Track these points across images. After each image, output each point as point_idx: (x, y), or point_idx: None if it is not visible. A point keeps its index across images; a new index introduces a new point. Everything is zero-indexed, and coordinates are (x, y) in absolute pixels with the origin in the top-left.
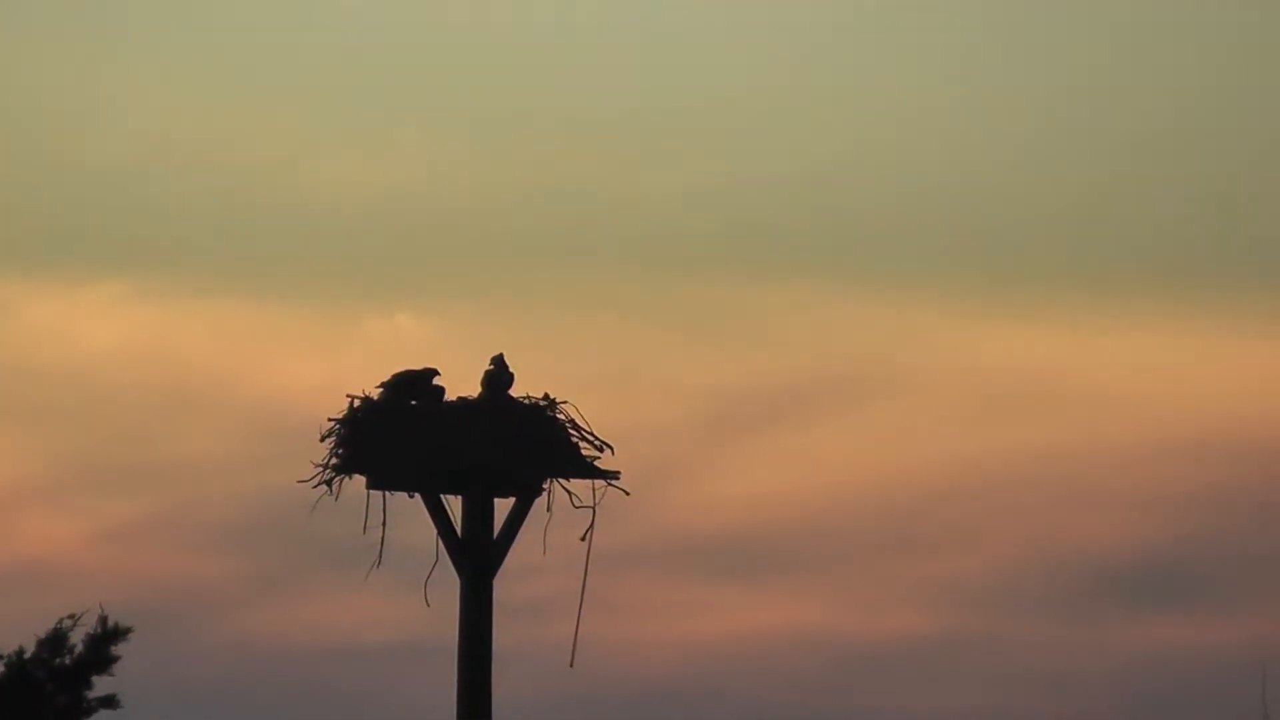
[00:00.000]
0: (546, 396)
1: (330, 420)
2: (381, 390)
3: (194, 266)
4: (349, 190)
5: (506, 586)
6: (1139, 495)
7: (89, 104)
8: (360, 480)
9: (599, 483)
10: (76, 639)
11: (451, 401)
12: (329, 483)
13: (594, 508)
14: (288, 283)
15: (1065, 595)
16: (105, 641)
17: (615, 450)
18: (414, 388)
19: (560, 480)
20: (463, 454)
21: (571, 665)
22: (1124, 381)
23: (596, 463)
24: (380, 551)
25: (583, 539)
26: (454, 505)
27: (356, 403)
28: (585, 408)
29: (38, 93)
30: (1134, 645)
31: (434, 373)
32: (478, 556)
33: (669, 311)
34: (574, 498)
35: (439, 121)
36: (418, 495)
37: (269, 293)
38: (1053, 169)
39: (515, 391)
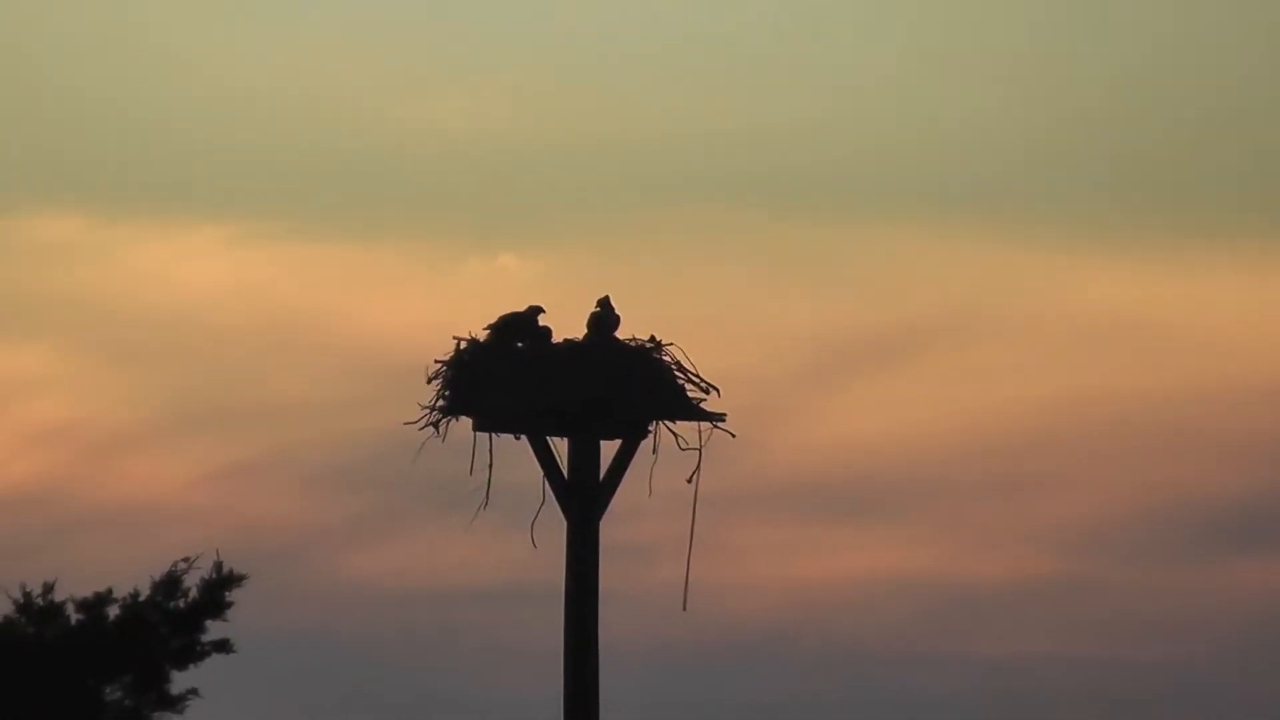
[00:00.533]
0: (652, 338)
1: (437, 362)
2: (488, 332)
3: (298, 210)
4: (453, 132)
5: (612, 528)
6: (1244, 437)
7: (192, 51)
8: (467, 422)
9: (704, 425)
10: (191, 583)
11: (558, 343)
12: (436, 425)
13: (700, 450)
14: (391, 225)
15: (1170, 538)
16: (220, 587)
17: (721, 392)
18: (520, 329)
19: (666, 422)
20: (569, 396)
21: (685, 608)
22: (1228, 322)
23: (702, 405)
24: (487, 493)
25: (689, 481)
26: (560, 447)
27: (463, 345)
28: (691, 350)
29: (140, 41)
30: (1239, 588)
31: (538, 310)
32: (584, 498)
33: (776, 254)
34: (680, 440)
35: (543, 61)
36: (524, 437)
37: (373, 235)
38: (1147, 108)
39: (621, 333)
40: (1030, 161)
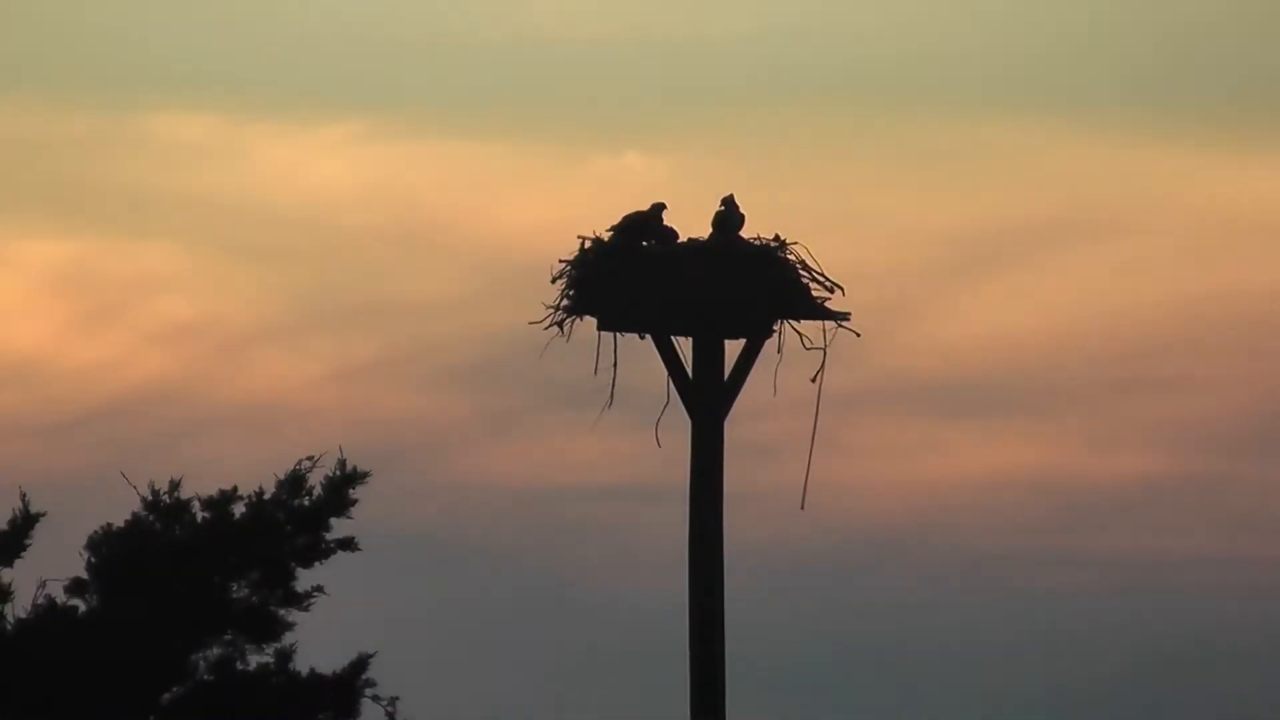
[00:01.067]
0: (777, 237)
1: (561, 261)
2: (612, 234)
3: (423, 108)
4: (577, 32)
5: (737, 428)
6: None
7: None
8: (591, 321)
9: (829, 324)
10: (315, 480)
11: (682, 243)
12: (560, 324)
13: (824, 349)
14: (516, 123)
15: None
16: (344, 484)
17: (846, 291)
18: (645, 229)
19: (790, 321)
20: (693, 295)
21: (803, 507)
22: None
23: (827, 304)
24: (611, 392)
25: (813, 380)
26: (684, 346)
27: (587, 244)
28: (816, 248)
29: None
30: None
31: (661, 206)
32: (708, 398)
33: (902, 151)
34: (804, 339)
35: None
36: (648, 336)
37: (497, 133)
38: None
39: (745, 232)
40: (1164, 58)
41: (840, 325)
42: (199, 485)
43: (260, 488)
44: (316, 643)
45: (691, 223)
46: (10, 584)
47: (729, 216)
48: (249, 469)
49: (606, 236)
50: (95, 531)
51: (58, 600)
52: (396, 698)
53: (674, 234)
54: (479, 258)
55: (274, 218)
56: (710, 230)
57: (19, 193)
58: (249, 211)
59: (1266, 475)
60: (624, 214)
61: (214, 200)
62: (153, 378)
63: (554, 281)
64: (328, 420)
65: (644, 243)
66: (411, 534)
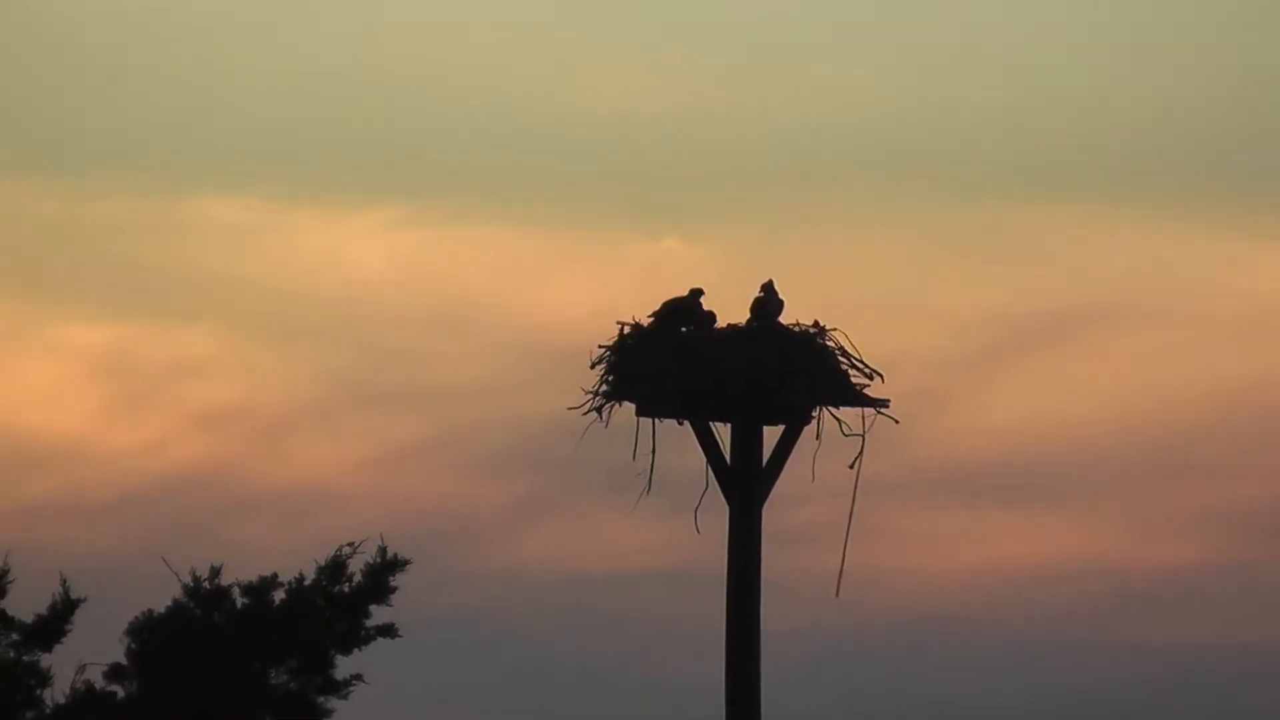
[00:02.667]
0: (816, 324)
1: (600, 347)
2: (652, 319)
3: (462, 192)
4: (617, 114)
5: (775, 514)
6: None
7: (359, 31)
8: (630, 407)
9: (868, 411)
10: (355, 567)
11: (721, 328)
12: (599, 409)
13: (863, 436)
14: (555, 208)
15: None
16: (384, 571)
17: (885, 378)
18: (683, 315)
19: (829, 408)
20: (732, 381)
21: (837, 594)
22: None
23: (866, 390)
24: (650, 478)
25: (851, 467)
26: (723, 433)
27: (626, 329)
28: (854, 334)
29: (307, 21)
30: None
31: (699, 292)
32: (747, 484)
33: (942, 237)
34: (843, 426)
35: (707, 43)
36: (686, 423)
37: (536, 218)
38: None
39: (785, 318)
40: (1205, 146)
41: (879, 412)
42: (239, 570)
43: (300, 573)
44: None
45: (730, 308)
46: (49, 669)
47: (769, 301)
48: (289, 555)
49: (646, 323)
50: (136, 617)
51: (97, 685)
52: None
53: (713, 318)
54: (517, 343)
55: (314, 301)
56: (749, 315)
57: (61, 275)
58: (289, 295)
59: None
60: (662, 299)
61: (254, 284)
62: (193, 462)
63: (593, 367)
64: (366, 505)
65: (683, 329)
66: (451, 620)
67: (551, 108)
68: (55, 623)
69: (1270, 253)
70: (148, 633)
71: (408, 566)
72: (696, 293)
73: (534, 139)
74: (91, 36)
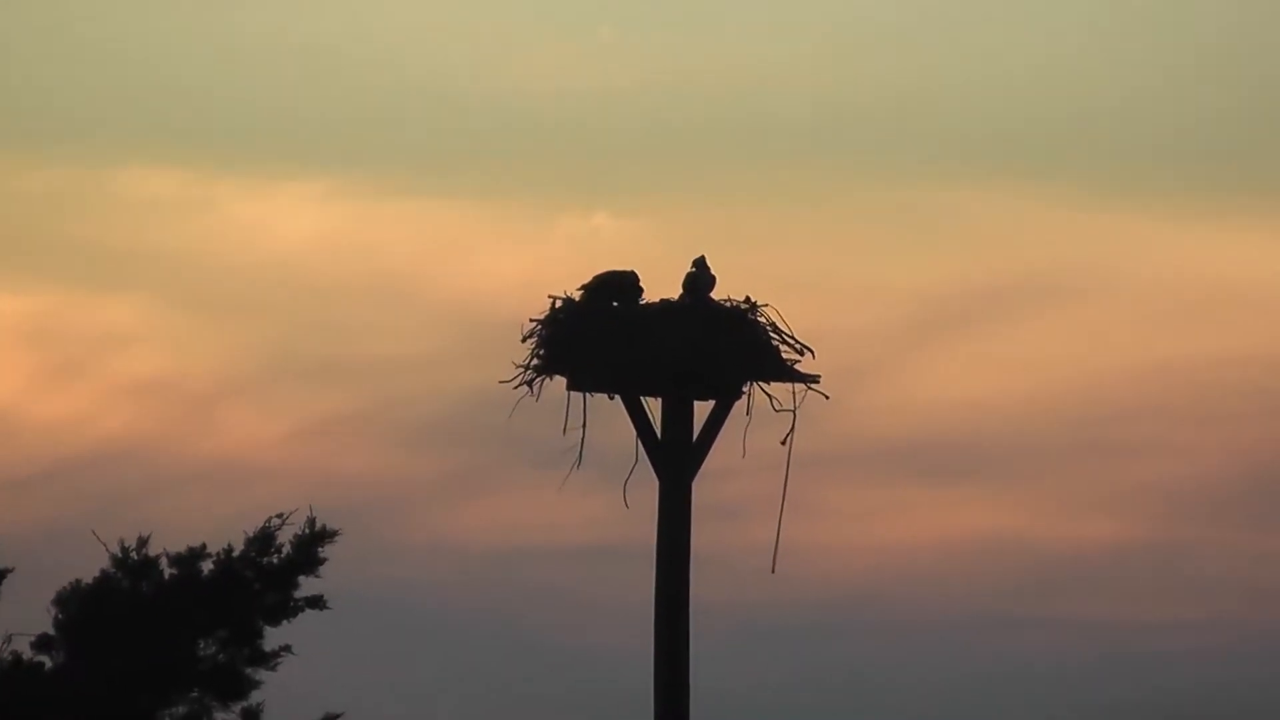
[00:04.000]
0: (748, 299)
1: (531, 321)
2: (583, 292)
3: (391, 165)
4: (547, 89)
5: (705, 489)
6: None
7: (290, 9)
8: (561, 381)
9: (799, 386)
10: (284, 538)
11: (652, 303)
12: (530, 384)
13: (794, 411)
14: (485, 181)
15: (1269, 503)
16: (313, 542)
17: (815, 354)
18: (616, 289)
19: (760, 383)
20: (663, 356)
21: (774, 570)
22: None
23: (797, 366)
24: (580, 452)
25: (783, 443)
26: (654, 407)
27: (558, 303)
28: (786, 310)
29: None
30: None
31: (634, 276)
32: (677, 459)
33: (870, 213)
34: (774, 401)
35: (639, 20)
36: (617, 397)
37: (466, 192)
38: (1256, 73)
39: (716, 294)
40: (1134, 123)
41: (810, 388)
42: (167, 541)
43: (229, 545)
44: (284, 702)
45: (660, 283)
46: None
47: (700, 278)
48: (218, 526)
49: (577, 295)
50: (63, 588)
51: (24, 656)
52: None
53: (641, 293)
54: (447, 316)
55: (242, 273)
56: (681, 291)
57: None
58: (216, 267)
59: (1235, 540)
60: (593, 274)
61: (181, 256)
62: (120, 433)
63: (524, 341)
64: (294, 477)
65: (614, 303)
66: (380, 592)
67: (482, 82)
68: None
69: (1199, 233)
70: (75, 603)
71: (336, 538)
72: (633, 276)
73: (464, 113)
74: (14, 8)
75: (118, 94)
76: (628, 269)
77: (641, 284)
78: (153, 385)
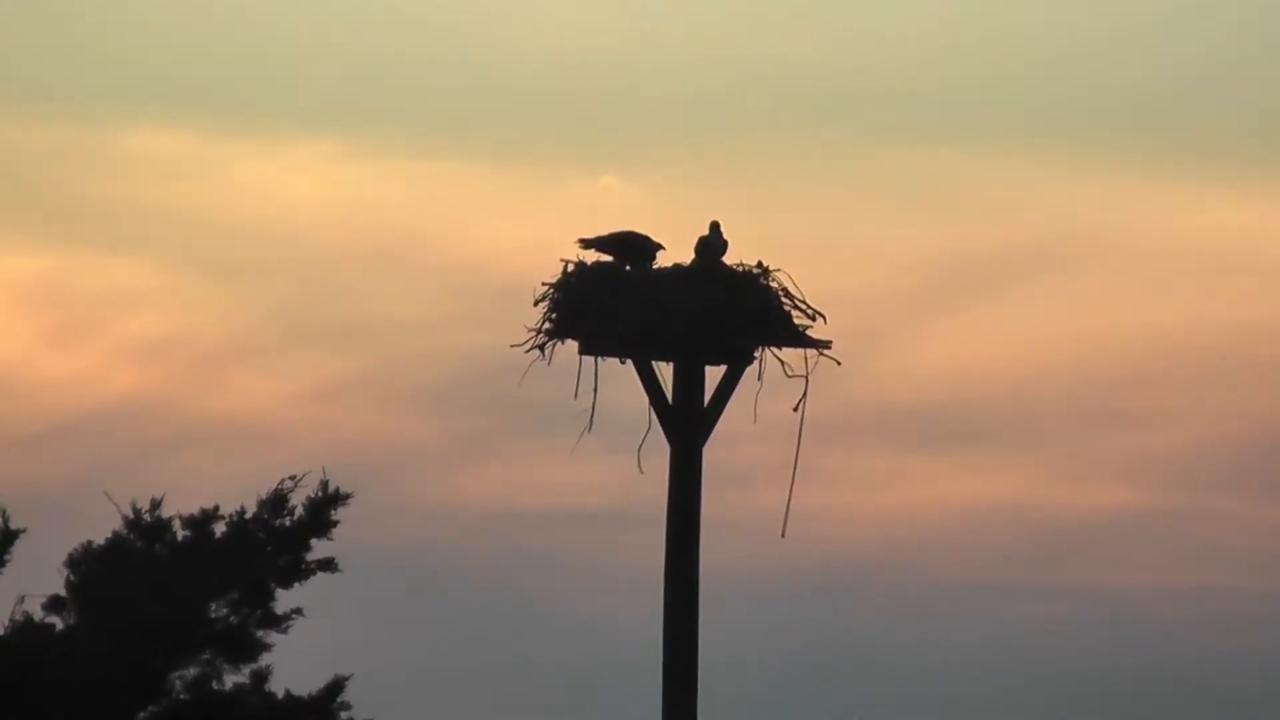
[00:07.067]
0: (760, 264)
1: (544, 284)
2: (598, 242)
3: (400, 127)
4: (556, 51)
5: (716, 454)
6: None
7: None
8: (572, 345)
9: (810, 352)
10: (296, 501)
11: (664, 268)
12: (541, 348)
13: (806, 377)
14: (494, 144)
15: (1272, 471)
16: (326, 505)
17: (827, 319)
18: (631, 248)
19: (772, 349)
20: (675, 321)
21: (783, 535)
22: None
23: (808, 331)
24: (591, 417)
25: (795, 409)
26: (665, 372)
27: (570, 267)
28: (798, 275)
29: None
30: None
31: (653, 243)
32: (688, 424)
33: (885, 178)
34: (786, 367)
35: None
36: (629, 361)
37: (474, 153)
38: (1257, 41)
39: (728, 259)
40: (1145, 89)
41: (821, 353)
42: (179, 503)
43: (241, 507)
44: (294, 664)
45: (672, 247)
46: None
47: (713, 242)
48: (230, 488)
49: (590, 258)
50: (75, 549)
51: (35, 617)
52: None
53: (654, 257)
54: (455, 278)
55: (250, 234)
56: (694, 255)
57: None
58: (224, 228)
59: (1240, 507)
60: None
61: (189, 216)
62: (129, 393)
63: (536, 304)
64: (305, 439)
65: (627, 266)
66: (392, 555)
67: (491, 44)
68: None
69: (1205, 197)
70: (87, 564)
71: (349, 500)
72: (658, 245)
73: (472, 75)
74: None
75: (125, 53)
76: (651, 236)
77: (661, 249)
78: (162, 346)
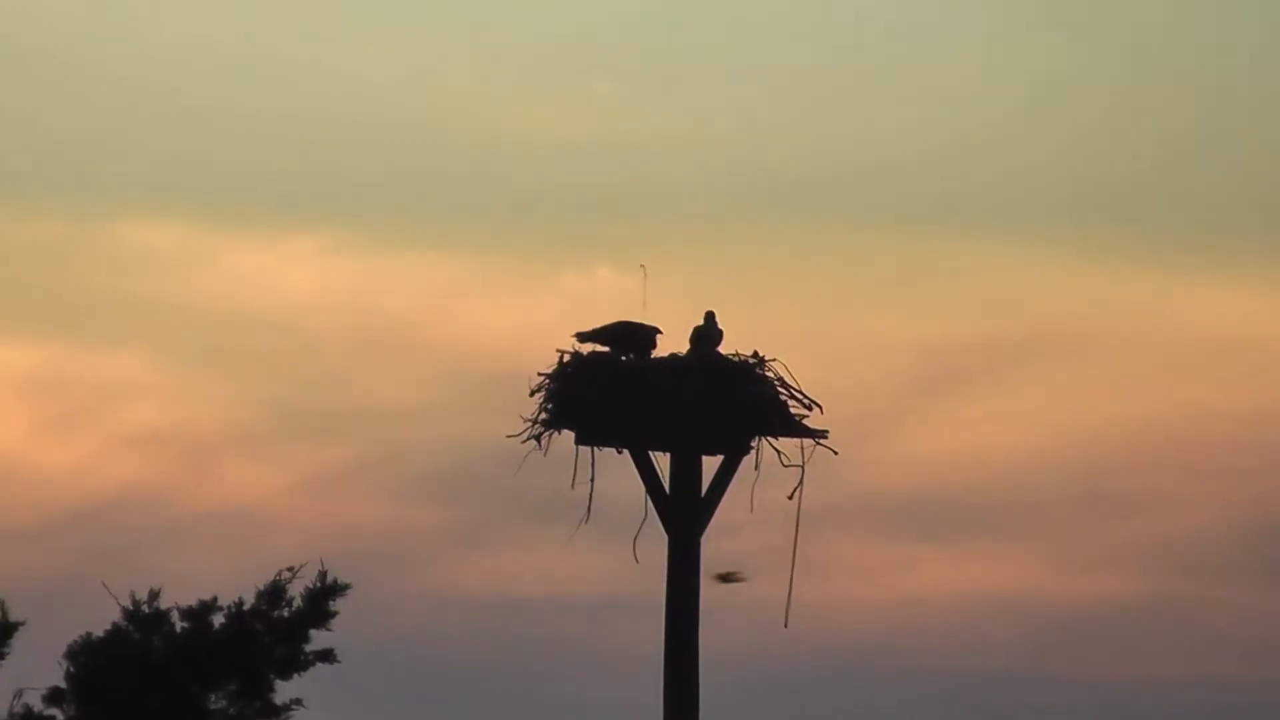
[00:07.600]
0: (755, 354)
1: (540, 375)
2: (593, 335)
3: (393, 218)
4: (551, 142)
5: (714, 544)
6: None
7: (291, 61)
8: (569, 435)
9: (807, 441)
10: (294, 591)
11: (661, 358)
12: (538, 438)
13: (803, 466)
14: (487, 235)
15: (1269, 559)
16: (324, 596)
17: (823, 409)
18: (632, 338)
19: (769, 438)
20: (671, 411)
21: (786, 625)
22: None
23: (805, 421)
24: (589, 507)
25: (791, 497)
26: (662, 462)
27: (565, 358)
28: (793, 364)
29: (242, 50)
30: None
31: (654, 330)
32: (685, 514)
33: (880, 268)
34: (782, 456)
35: (637, 73)
36: (626, 452)
37: (468, 245)
38: (1252, 130)
39: (723, 348)
40: (1133, 183)
41: (818, 443)
42: (177, 594)
43: (240, 598)
44: None
45: (667, 337)
46: None
47: (708, 332)
48: (228, 579)
49: (586, 350)
50: (74, 641)
51: (35, 709)
52: None
53: (651, 347)
54: (450, 367)
55: (245, 325)
56: (689, 345)
57: None
58: (220, 318)
59: (1233, 598)
60: (595, 328)
61: (184, 307)
62: (127, 484)
63: (532, 394)
64: (302, 528)
65: (624, 356)
66: (390, 645)
67: (484, 136)
68: None
69: (1198, 287)
70: (86, 656)
71: (347, 591)
72: (656, 330)
73: (467, 167)
74: (15, 59)
75: (118, 146)
76: (651, 324)
77: (659, 333)
78: (157, 436)
